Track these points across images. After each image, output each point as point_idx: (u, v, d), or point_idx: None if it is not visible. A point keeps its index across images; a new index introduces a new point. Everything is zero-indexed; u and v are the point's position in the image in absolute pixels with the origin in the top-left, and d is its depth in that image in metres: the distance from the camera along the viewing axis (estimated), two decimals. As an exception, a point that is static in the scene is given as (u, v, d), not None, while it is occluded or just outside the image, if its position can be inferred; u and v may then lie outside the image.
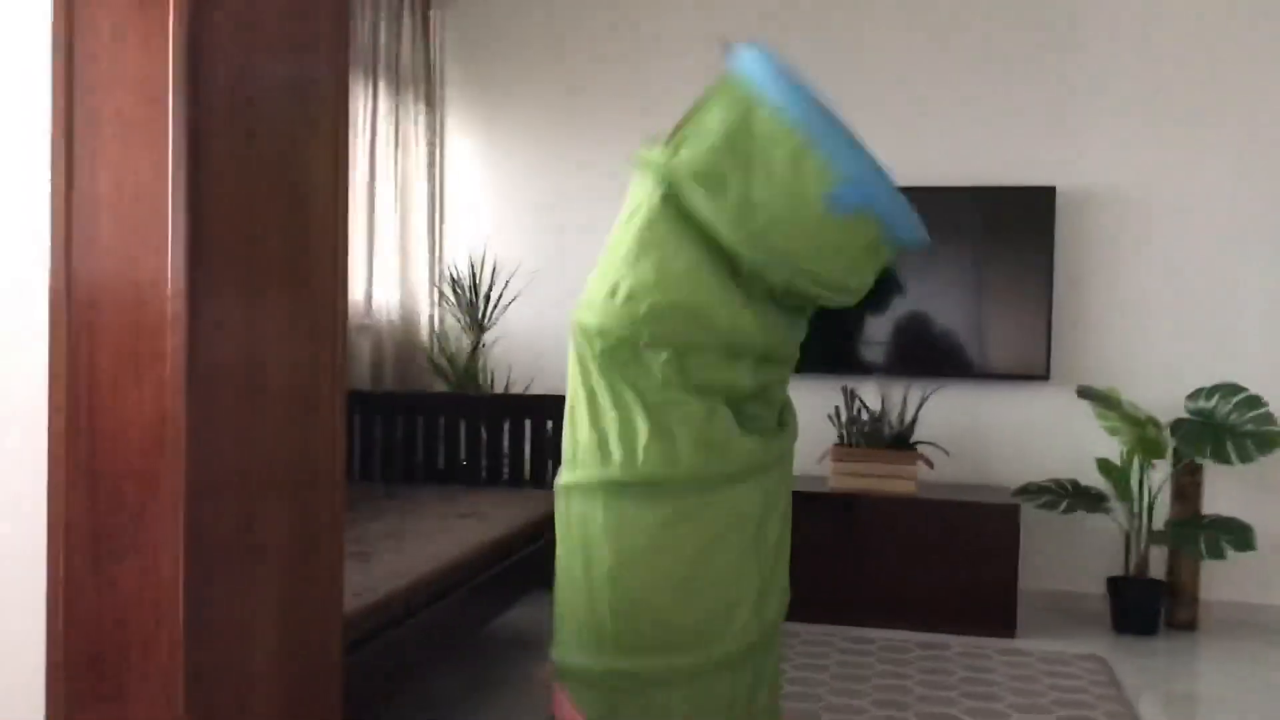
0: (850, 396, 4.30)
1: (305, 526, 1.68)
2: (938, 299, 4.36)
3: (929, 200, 4.35)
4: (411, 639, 2.56)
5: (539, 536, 3.50)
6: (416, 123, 4.64)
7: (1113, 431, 4.07)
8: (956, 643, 3.80)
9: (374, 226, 4.38)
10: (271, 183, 1.57)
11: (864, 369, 4.40)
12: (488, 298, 4.59)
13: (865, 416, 4.30)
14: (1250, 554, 3.96)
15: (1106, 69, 4.34)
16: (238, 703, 1.54)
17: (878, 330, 4.41)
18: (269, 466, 1.58)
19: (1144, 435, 3.94)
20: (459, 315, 4.62)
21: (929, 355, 4.40)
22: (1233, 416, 3.89)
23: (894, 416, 4.39)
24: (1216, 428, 3.89)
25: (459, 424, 4.07)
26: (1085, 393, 4.03)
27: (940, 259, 4.35)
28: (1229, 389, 3.95)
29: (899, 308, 4.39)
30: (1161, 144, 4.30)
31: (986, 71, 4.42)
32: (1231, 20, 4.24)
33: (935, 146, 4.44)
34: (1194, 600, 4.09)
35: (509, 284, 4.73)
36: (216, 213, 1.46)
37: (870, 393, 4.48)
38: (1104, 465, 4.05)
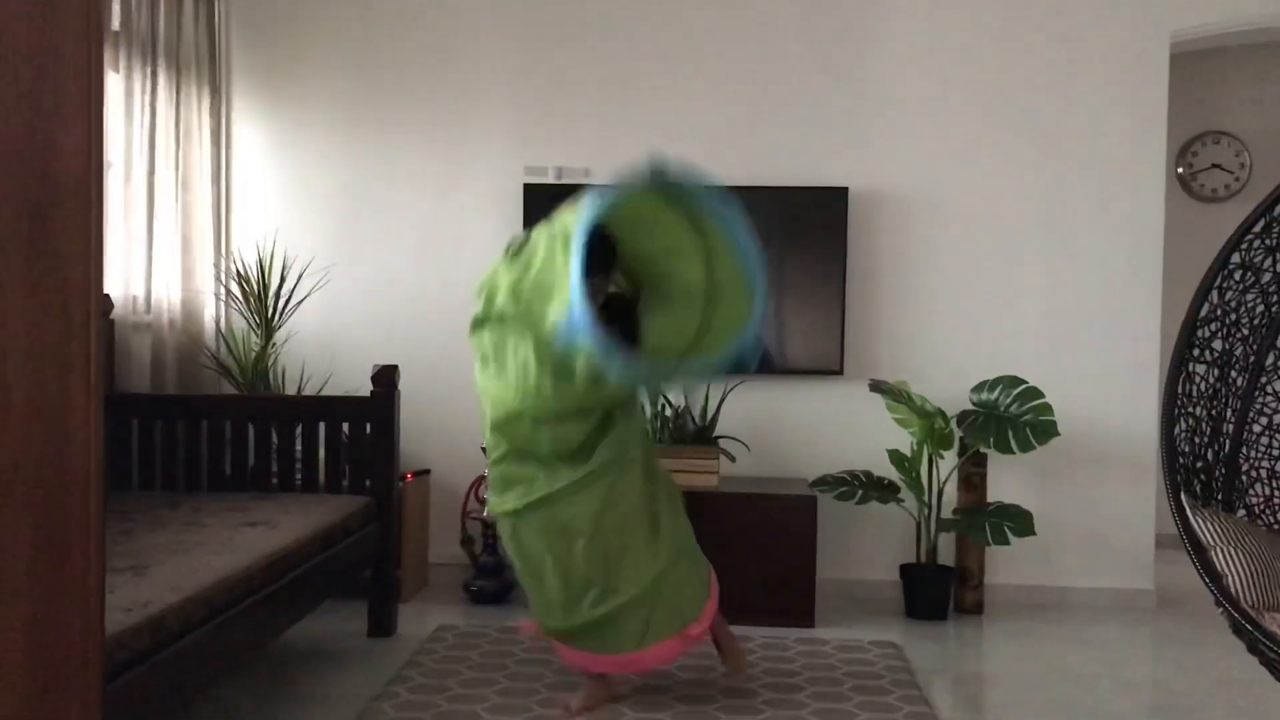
0: (654, 393, 4.29)
1: (54, 540, 1.52)
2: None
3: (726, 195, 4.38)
4: (191, 656, 2.39)
5: (333, 544, 3.35)
6: (200, 110, 4.38)
7: (903, 424, 4.20)
8: (758, 634, 3.84)
9: (154, 219, 4.11)
10: (8, 167, 1.41)
11: (667, 366, 4.40)
12: (278, 294, 4.37)
13: (668, 412, 4.31)
14: (1031, 539, 4.15)
15: (895, 74, 4.48)
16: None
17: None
18: (9, 472, 1.42)
19: (932, 427, 4.08)
20: (246, 313, 4.38)
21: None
22: (1013, 407, 4.07)
23: (696, 412, 4.41)
24: (999, 418, 4.06)
25: (247, 428, 3.86)
26: (877, 386, 4.15)
27: (740, 256, 4.39)
28: (1010, 381, 4.13)
29: (700, 304, 4.41)
30: (948, 147, 4.47)
31: (784, 75, 4.50)
32: (1013, 27, 4.44)
33: (737, 148, 4.49)
34: (980, 584, 4.27)
35: (301, 279, 4.52)
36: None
37: (672, 389, 4.49)
38: (895, 456, 4.18)
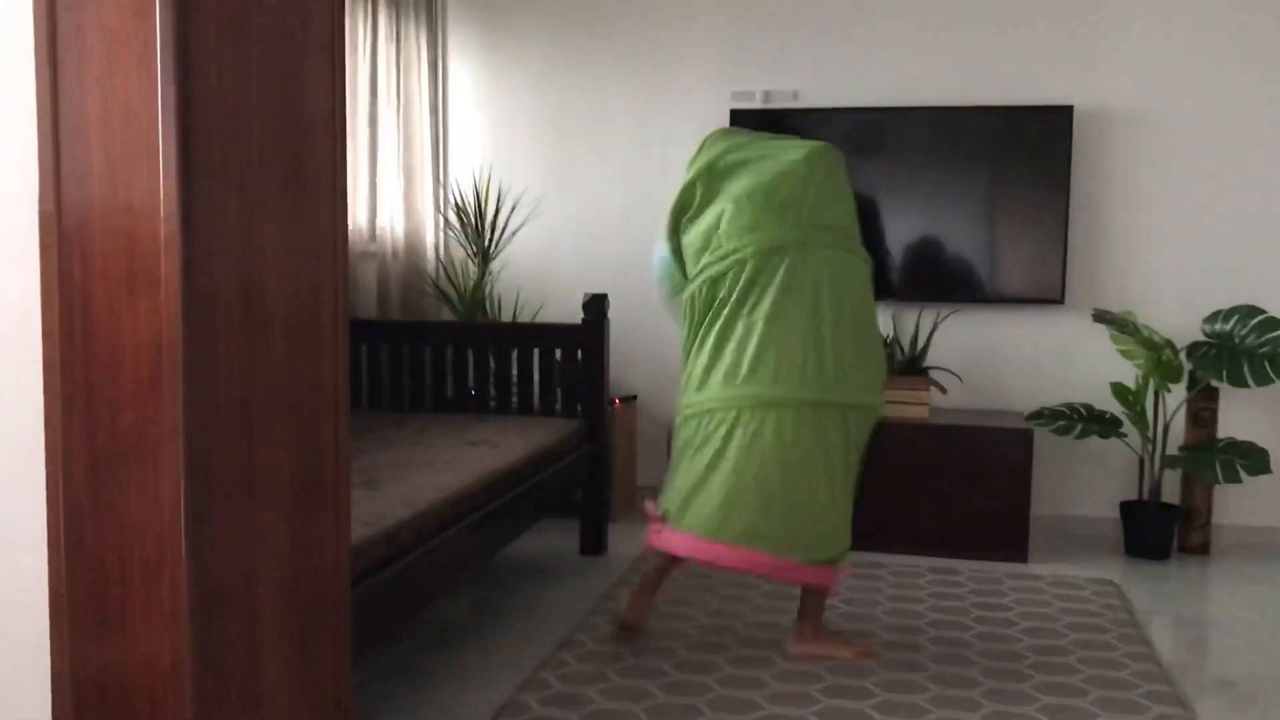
0: (862, 322, 4.24)
1: (309, 456, 1.65)
2: (950, 223, 4.29)
3: (941, 120, 4.25)
4: (421, 568, 2.55)
5: (548, 465, 3.49)
6: (418, 45, 4.54)
7: (1128, 355, 4.02)
8: (967, 568, 3.79)
9: (376, 152, 4.30)
10: (266, 102, 1.51)
11: (875, 294, 4.33)
12: (494, 224, 4.52)
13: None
14: (1264, 477, 3.92)
15: (1127, -17, 4.21)
16: (243, 634, 1.52)
17: (890, 255, 4.34)
18: (270, 395, 1.54)
19: (1160, 359, 3.89)
20: (464, 242, 4.55)
21: (942, 280, 4.34)
22: (1250, 339, 3.83)
23: (906, 342, 4.34)
24: (1233, 350, 3.83)
25: (467, 353, 4.04)
26: (1101, 317, 3.97)
27: (953, 181, 4.27)
28: (1247, 311, 3.89)
29: (911, 232, 4.32)
30: (1180, 61, 4.18)
31: (1003, -13, 4.30)
32: (1257, -70, 4.10)
33: (948, 65, 4.33)
34: (1206, 524, 4.08)
35: (515, 210, 4.66)
36: (209, 132, 1.41)
37: (882, 318, 4.42)
38: (1119, 390, 4.01)
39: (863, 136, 4.34)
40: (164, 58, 1.35)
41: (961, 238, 4.28)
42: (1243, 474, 3.78)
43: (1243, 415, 4.15)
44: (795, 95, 4.46)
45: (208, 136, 1.40)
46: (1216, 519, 4.18)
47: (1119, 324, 3.92)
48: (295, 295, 1.58)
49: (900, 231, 4.33)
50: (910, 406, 4.03)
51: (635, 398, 4.62)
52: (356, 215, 4.25)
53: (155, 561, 1.40)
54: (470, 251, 4.54)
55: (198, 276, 1.38)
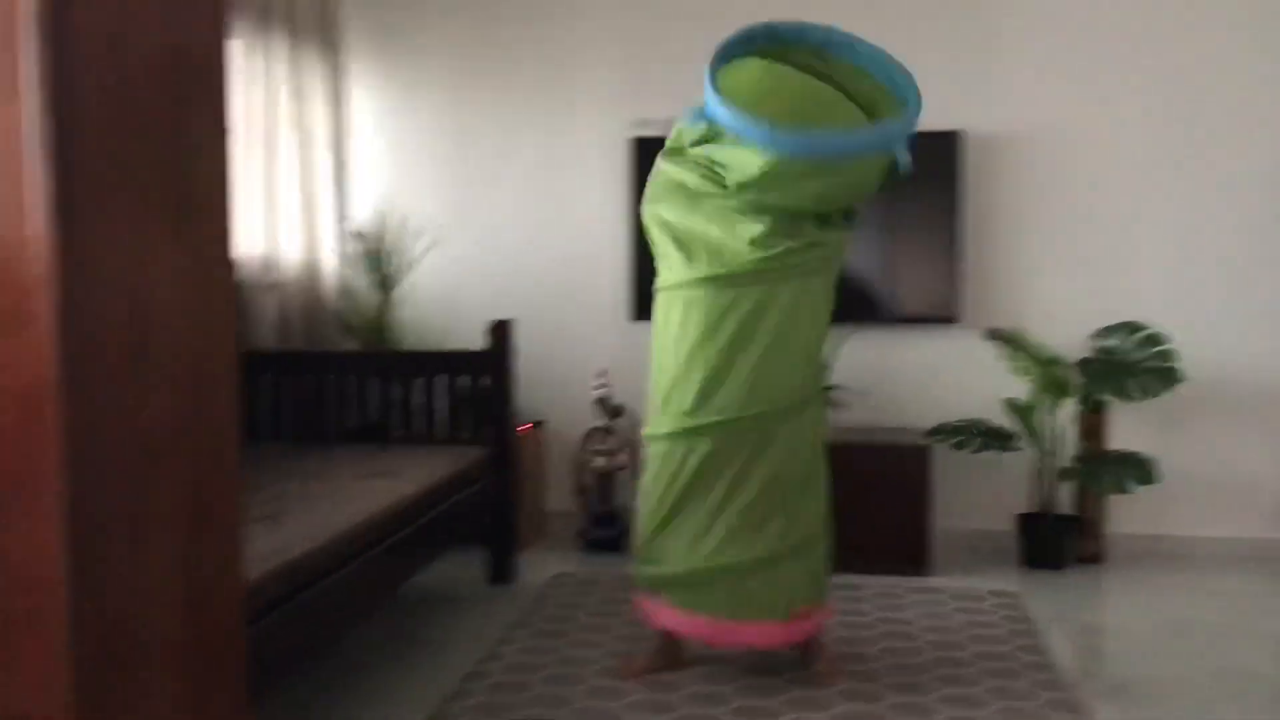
0: (764, 344, 4.30)
1: (201, 491, 1.62)
2: (849, 246, 4.36)
3: (838, 146, 4.34)
4: (325, 601, 2.51)
5: (454, 494, 3.46)
6: (316, 72, 4.49)
7: (1021, 372, 4.13)
8: (870, 582, 3.85)
9: (274, 181, 4.25)
10: (149, 130, 1.49)
11: (777, 316, 4.40)
12: (396, 252, 4.49)
13: (779, 363, 4.30)
14: (1153, 487, 4.06)
15: (1013, 9, 4.36)
16: (133, 677, 1.48)
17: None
18: (159, 429, 1.51)
19: (1051, 375, 4.01)
20: (366, 271, 4.51)
21: (842, 301, 4.40)
22: (1135, 354, 3.97)
23: (808, 363, 4.40)
24: (1120, 365, 3.97)
25: (370, 382, 3.99)
26: (994, 334, 4.09)
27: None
28: (1131, 327, 4.03)
29: (811, 254, 4.39)
30: (1063, 88, 4.34)
31: (894, 17, 4.41)
32: (1131, -38, 4.28)
33: (844, 91, 4.42)
34: (1100, 534, 4.20)
35: (417, 238, 4.63)
36: (87, 163, 1.38)
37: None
38: (1012, 405, 4.12)
39: (761, 161, 4.40)
40: (38, 89, 1.32)
41: (860, 260, 4.37)
42: (1132, 484, 3.91)
43: (1131, 427, 4.30)
44: (695, 121, 4.50)
45: (85, 167, 1.38)
46: (1109, 528, 4.31)
47: (1012, 341, 4.04)
48: (184, 329, 1.55)
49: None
50: (813, 426, 4.08)
51: (543, 423, 4.61)
52: (255, 246, 4.18)
53: (38, 609, 1.36)
54: (372, 280, 4.50)
55: (78, 313, 1.35)
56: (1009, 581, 3.93)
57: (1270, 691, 2.95)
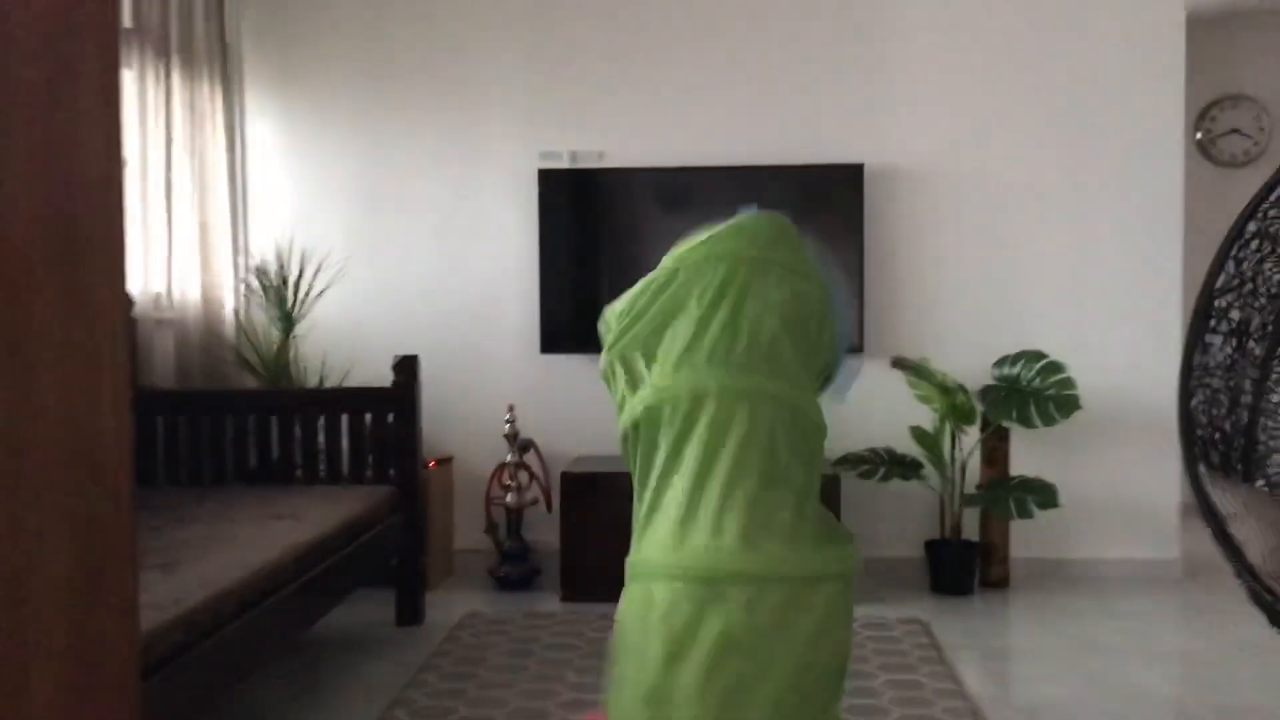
0: (673, 376, 4.31)
1: (92, 539, 1.55)
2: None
3: (742, 179, 4.39)
4: (224, 651, 2.43)
5: (359, 535, 3.39)
6: (214, 106, 4.40)
7: (925, 400, 4.20)
8: (784, 614, 3.86)
9: (171, 216, 4.14)
10: (30, 172, 1.43)
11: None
12: (297, 287, 4.40)
13: (688, 395, 4.31)
14: (1055, 511, 4.15)
15: (908, 49, 4.46)
16: (15, 740, 1.41)
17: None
18: (43, 487, 1.44)
19: (954, 402, 4.08)
20: (266, 306, 4.42)
21: (749, 332, 4.44)
22: (1035, 382, 4.06)
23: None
24: (1021, 393, 4.05)
25: (271, 421, 3.90)
26: (898, 363, 4.15)
27: (756, 237, 4.39)
28: (1032, 355, 4.13)
29: (718, 286, 4.42)
30: (963, 120, 4.45)
31: (795, 53, 4.49)
32: None
33: (747, 125, 4.48)
34: (1005, 559, 4.28)
35: (319, 272, 4.55)
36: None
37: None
38: (918, 433, 4.18)
39: (667, 196, 4.44)
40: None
41: (766, 291, 4.40)
42: (1034, 509, 3.99)
43: (1032, 454, 4.39)
44: (601, 155, 4.53)
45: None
46: (1014, 553, 4.39)
47: (915, 370, 4.10)
48: (69, 369, 1.49)
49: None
50: (723, 458, 4.09)
51: (451, 459, 4.55)
52: (150, 281, 4.07)
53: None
54: (272, 316, 4.41)
55: (-46, 359, 1.29)
56: (918, 609, 3.97)
57: (1172, 710, 3.03)
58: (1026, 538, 4.43)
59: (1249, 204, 2.45)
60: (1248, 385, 2.52)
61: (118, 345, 1.60)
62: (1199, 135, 5.59)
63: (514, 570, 4.30)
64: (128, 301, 3.83)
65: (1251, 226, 2.49)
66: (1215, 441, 2.54)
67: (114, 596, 1.62)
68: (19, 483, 1.41)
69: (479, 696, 3.06)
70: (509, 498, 4.33)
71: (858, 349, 4.38)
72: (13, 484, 1.40)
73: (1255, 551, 2.25)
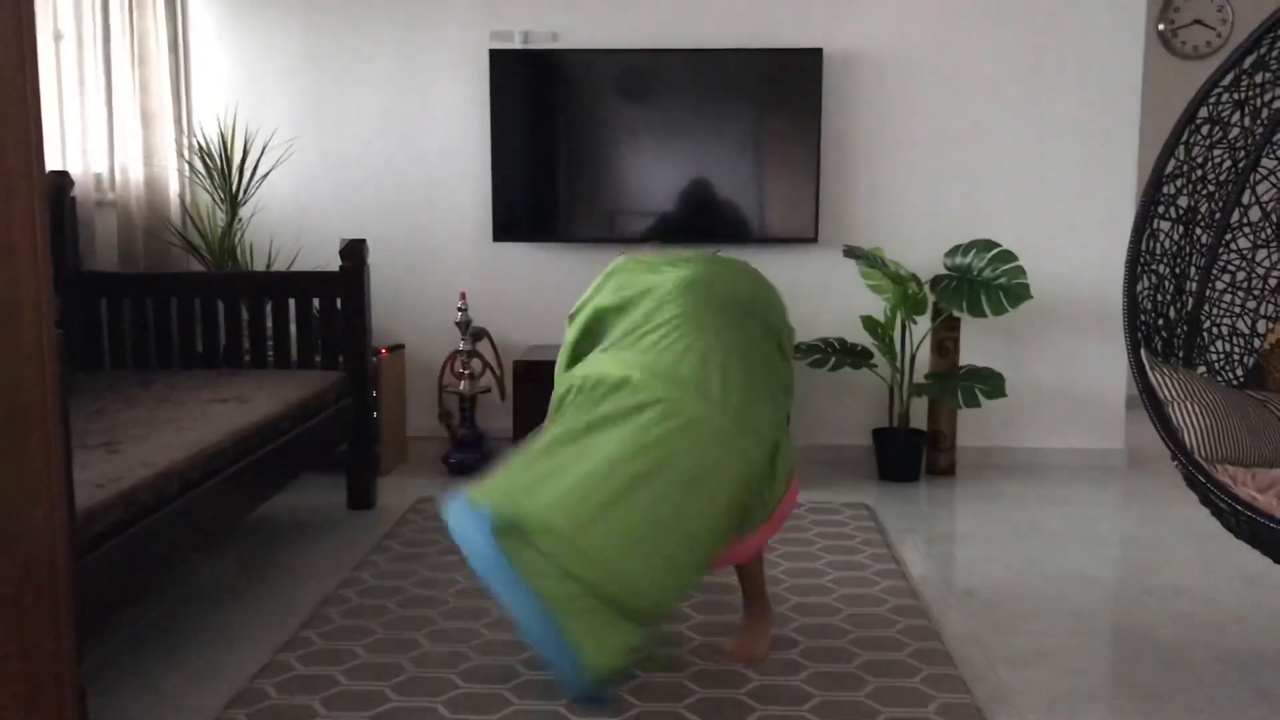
0: (627, 264, 4.28)
1: (13, 421, 1.52)
2: (714, 165, 4.36)
3: (700, 62, 4.30)
4: (166, 529, 2.42)
5: (306, 419, 3.37)
6: (152, -22, 4.23)
7: (877, 290, 4.20)
8: (733, 500, 3.90)
9: (111, 93, 4.01)
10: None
11: (642, 236, 4.38)
12: (241, 168, 4.30)
13: (642, 283, 4.29)
14: (1002, 401, 4.20)
15: (870, -71, 4.35)
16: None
17: (655, 197, 4.39)
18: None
19: (906, 292, 4.08)
20: (210, 188, 4.31)
21: (706, 221, 4.41)
22: (986, 271, 4.06)
23: (670, 282, 4.40)
24: (972, 282, 4.06)
25: (217, 305, 3.84)
26: (851, 252, 4.14)
27: (714, 124, 4.33)
28: (984, 245, 4.12)
29: (675, 175, 4.37)
30: (923, 6, 4.36)
31: (754, -70, 4.37)
32: (987, -119, 4.30)
33: (706, 6, 4.37)
34: (952, 447, 4.33)
35: (265, 152, 4.44)
36: None
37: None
38: (869, 322, 4.19)
39: (624, 79, 4.35)
40: None
41: (723, 179, 4.36)
42: (982, 398, 4.03)
43: (981, 344, 4.42)
44: (555, 36, 4.41)
45: None
46: (960, 442, 4.44)
47: (868, 259, 4.09)
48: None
49: (665, 174, 4.37)
50: (675, 345, 4.09)
51: (403, 347, 4.52)
52: (91, 161, 3.95)
53: None
54: (217, 198, 4.31)
55: None
56: (864, 495, 4.03)
57: (1103, 590, 3.11)
58: (974, 427, 4.49)
59: (1201, 89, 2.43)
60: (1193, 272, 2.53)
61: (36, 225, 1.55)
62: (1161, 26, 5.53)
63: (467, 457, 4.30)
64: (64, 180, 3.72)
65: (1203, 112, 2.47)
66: (1159, 328, 2.56)
67: (40, 472, 1.59)
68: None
69: (427, 578, 3.09)
70: (462, 385, 4.32)
71: (812, 239, 4.36)
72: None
73: (1192, 435, 2.29)
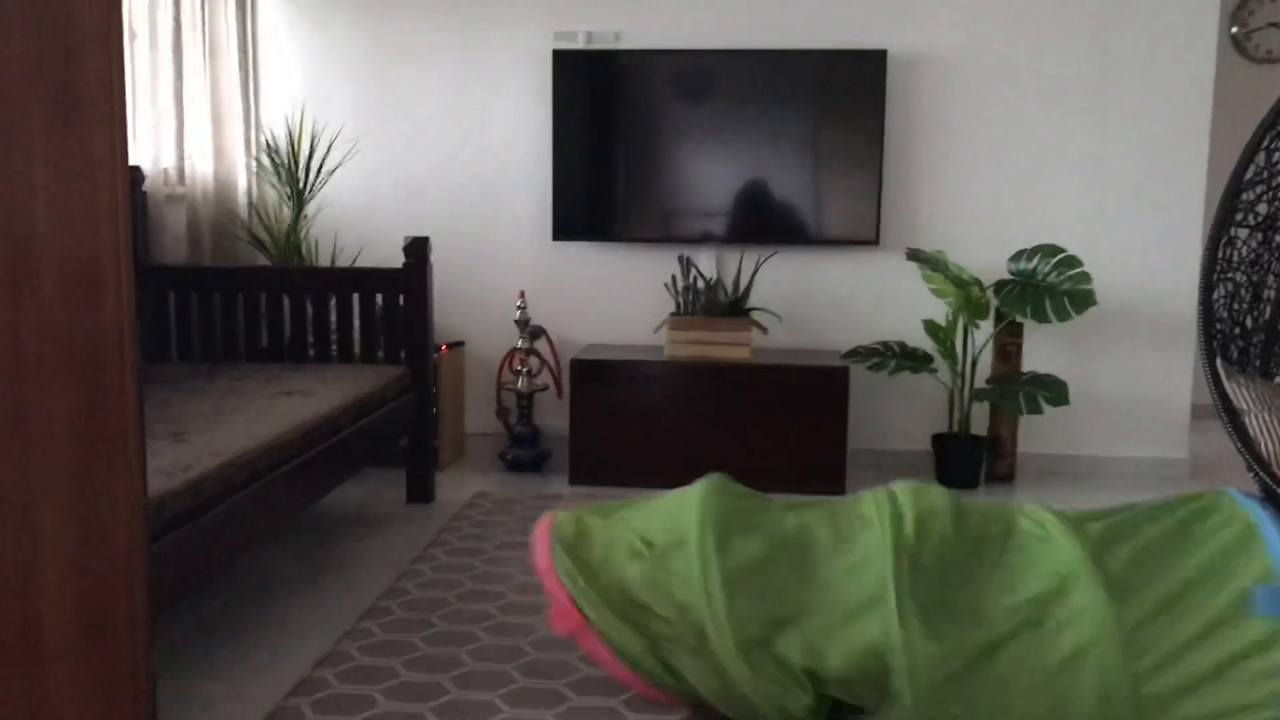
0: (686, 265, 4.28)
1: (94, 407, 1.55)
2: (772, 166, 4.34)
3: (763, 63, 4.29)
4: (232, 518, 2.45)
5: (369, 413, 3.40)
6: (223, -23, 4.30)
7: (939, 293, 4.16)
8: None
9: (182, 90, 4.08)
10: (25, 29, 1.39)
11: (700, 238, 4.38)
12: (308, 165, 4.35)
13: (701, 285, 4.29)
14: (1064, 408, 4.14)
15: (937, -71, 4.31)
16: (19, 602, 1.42)
17: (713, 198, 4.38)
18: (45, 348, 1.43)
19: (968, 296, 4.04)
20: (277, 185, 4.38)
21: (763, 222, 4.40)
22: (1051, 276, 4.01)
23: (729, 284, 4.39)
24: (1036, 287, 4.01)
25: (282, 300, 3.89)
26: (914, 255, 4.10)
27: (774, 125, 4.32)
28: (1049, 250, 4.07)
29: (734, 175, 4.36)
30: (989, 7, 4.32)
31: (820, -70, 4.35)
32: (1058, -119, 4.25)
33: (769, 6, 4.36)
34: (1012, 453, 4.28)
35: (330, 150, 4.50)
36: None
37: (706, 261, 4.47)
38: (930, 326, 4.15)
39: (686, 79, 4.35)
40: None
41: (782, 180, 4.34)
42: (1044, 405, 3.98)
43: (1045, 349, 4.37)
44: (617, 37, 4.42)
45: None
46: (1021, 448, 4.39)
47: (931, 263, 4.06)
48: (68, 232, 1.47)
49: (724, 174, 4.36)
50: (732, 348, 4.09)
51: (463, 344, 4.55)
52: (161, 157, 4.02)
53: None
54: (283, 194, 4.37)
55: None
56: (923, 500, 3.99)
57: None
58: (1035, 434, 4.43)
59: (1283, 92, 2.38)
60: (1271, 280, 2.48)
61: (120, 206, 1.57)
62: (1234, 29, 5.43)
63: (524, 453, 4.33)
64: (136, 175, 3.79)
65: (1284, 117, 2.42)
66: (1235, 336, 2.51)
67: (119, 458, 1.62)
68: (21, 361, 1.40)
69: (485, 572, 3.10)
70: (519, 382, 4.34)
71: (874, 241, 4.33)
72: (15, 363, 1.39)
73: (1269, 445, 2.24)
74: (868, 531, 2.13)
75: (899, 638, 1.96)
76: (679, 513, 2.20)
